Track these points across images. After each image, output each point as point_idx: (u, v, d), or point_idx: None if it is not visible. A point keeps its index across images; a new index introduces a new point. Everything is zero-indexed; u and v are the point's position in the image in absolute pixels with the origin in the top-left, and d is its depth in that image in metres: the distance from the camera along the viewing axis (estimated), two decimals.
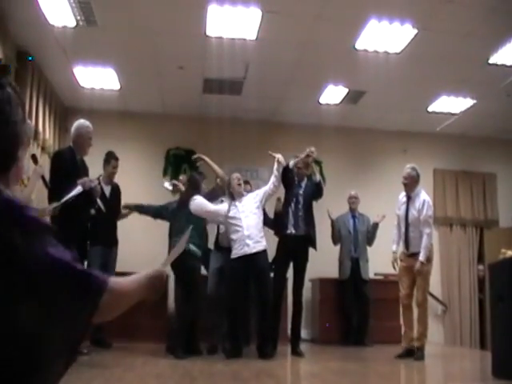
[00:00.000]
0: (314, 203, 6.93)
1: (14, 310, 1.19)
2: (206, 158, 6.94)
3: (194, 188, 6.55)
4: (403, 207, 6.78)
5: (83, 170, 5.83)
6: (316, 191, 6.81)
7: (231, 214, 6.36)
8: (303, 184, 6.86)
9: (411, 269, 6.60)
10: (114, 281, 1.44)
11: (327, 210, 7.86)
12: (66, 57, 7.63)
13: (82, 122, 5.98)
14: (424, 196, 6.78)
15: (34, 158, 5.38)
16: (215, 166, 6.93)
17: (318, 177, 6.80)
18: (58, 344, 1.28)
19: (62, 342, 1.30)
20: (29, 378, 1.22)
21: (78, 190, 5.29)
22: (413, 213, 6.66)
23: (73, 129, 5.96)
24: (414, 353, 6.42)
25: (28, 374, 1.22)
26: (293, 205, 6.70)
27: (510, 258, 4.94)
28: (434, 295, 9.69)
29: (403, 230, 6.75)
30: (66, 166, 5.49)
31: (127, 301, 1.54)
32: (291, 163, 6.60)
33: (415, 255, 6.57)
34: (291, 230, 6.65)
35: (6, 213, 1.23)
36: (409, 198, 6.76)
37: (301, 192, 6.78)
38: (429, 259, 6.61)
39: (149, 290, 1.65)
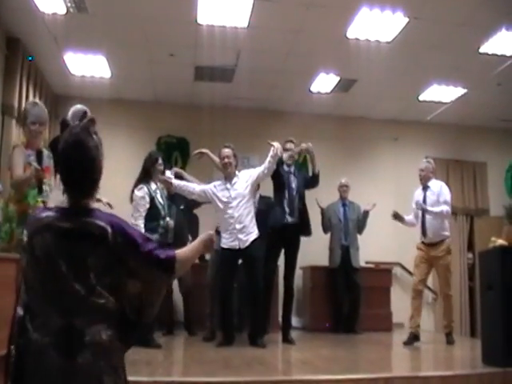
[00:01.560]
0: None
1: (125, 282, 2.11)
2: (207, 151, 6.78)
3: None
4: (421, 197, 6.85)
5: None
6: (313, 181, 6.81)
7: (223, 197, 6.16)
8: (294, 171, 6.84)
9: (429, 259, 6.70)
10: (178, 252, 2.21)
11: (316, 199, 7.86)
12: (56, 44, 7.58)
13: (77, 106, 5.89)
14: (441, 182, 6.94)
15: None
16: (216, 158, 6.78)
17: (317, 169, 6.79)
18: (151, 299, 2.19)
19: (153, 298, 2.20)
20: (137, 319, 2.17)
21: None
22: (431, 198, 6.75)
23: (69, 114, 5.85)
24: (418, 338, 6.60)
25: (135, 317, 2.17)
26: (287, 193, 6.66)
27: (499, 246, 4.96)
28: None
29: (421, 217, 6.80)
30: None
31: (190, 262, 2.35)
32: (285, 156, 6.56)
33: (434, 245, 6.65)
34: (287, 219, 6.62)
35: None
36: (425, 188, 6.86)
37: (293, 179, 6.76)
38: (449, 250, 6.73)
39: (203, 248, 2.35)
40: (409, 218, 7.03)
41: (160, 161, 6.18)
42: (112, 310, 2.07)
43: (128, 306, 2.14)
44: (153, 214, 5.92)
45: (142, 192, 5.98)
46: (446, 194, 6.75)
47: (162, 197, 6.11)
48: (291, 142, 6.83)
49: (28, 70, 7.77)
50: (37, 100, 4.90)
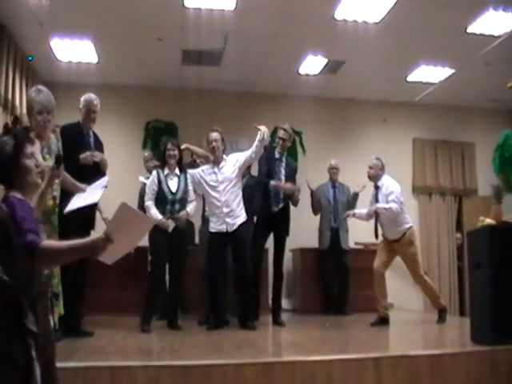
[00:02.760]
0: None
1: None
2: (190, 146, 6.79)
3: None
4: (373, 199, 6.84)
5: (96, 144, 5.67)
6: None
7: (210, 181, 6.19)
8: (284, 158, 6.85)
9: (392, 249, 6.74)
10: (47, 242, 2.33)
11: (306, 181, 7.87)
12: (42, 30, 7.54)
13: (88, 95, 5.84)
14: (390, 180, 6.80)
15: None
16: (197, 150, 6.80)
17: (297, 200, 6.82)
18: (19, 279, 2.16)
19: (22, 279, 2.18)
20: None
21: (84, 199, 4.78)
22: (382, 198, 6.69)
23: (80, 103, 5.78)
24: (387, 321, 6.60)
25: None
26: (276, 180, 6.68)
27: (487, 225, 4.98)
28: None
29: (375, 218, 6.80)
30: (71, 141, 5.26)
31: (63, 256, 2.43)
32: (272, 184, 6.60)
33: (395, 241, 6.68)
34: (274, 208, 6.64)
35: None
36: (377, 188, 6.81)
37: (283, 166, 6.77)
38: (411, 242, 6.72)
39: (84, 251, 2.37)
40: (360, 212, 7.07)
41: (169, 146, 6.20)
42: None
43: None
44: (160, 198, 6.08)
45: (151, 176, 6.24)
46: (394, 192, 6.63)
47: (177, 183, 6.15)
48: (284, 130, 6.80)
49: (14, 56, 7.72)
50: (40, 86, 4.66)
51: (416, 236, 6.97)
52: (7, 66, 7.43)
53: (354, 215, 7.13)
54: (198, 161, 7.08)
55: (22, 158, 2.50)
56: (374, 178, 6.83)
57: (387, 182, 6.76)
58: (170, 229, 5.97)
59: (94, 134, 5.77)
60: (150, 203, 6.08)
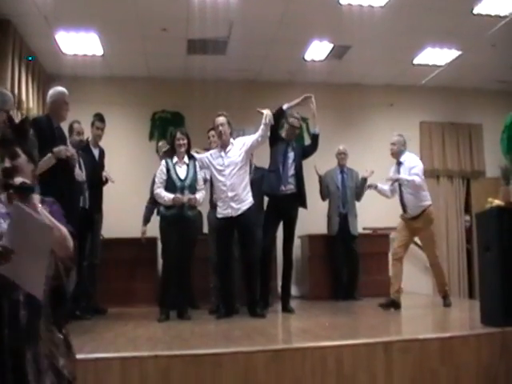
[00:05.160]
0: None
1: None
2: (199, 152, 6.81)
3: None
4: (395, 172, 6.89)
5: (61, 138, 5.71)
6: (311, 146, 6.91)
7: (217, 165, 6.25)
8: (292, 143, 6.87)
9: (411, 229, 6.77)
10: None
11: (314, 166, 7.87)
12: (47, 23, 7.54)
13: (56, 88, 5.90)
14: (412, 155, 6.96)
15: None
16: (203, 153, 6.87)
17: (317, 128, 6.89)
18: None
19: None
20: None
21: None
22: (405, 173, 6.75)
23: (48, 96, 5.87)
24: (398, 305, 6.62)
25: None
26: (283, 163, 6.69)
27: (496, 206, 4.97)
28: (422, 247, 9.81)
29: (399, 193, 6.84)
30: (43, 134, 5.32)
31: None
32: (285, 106, 6.54)
33: (415, 218, 6.70)
34: (282, 188, 6.66)
35: None
36: (399, 164, 6.87)
37: (290, 150, 6.78)
38: (431, 220, 6.76)
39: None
40: (383, 187, 7.11)
41: (179, 135, 6.29)
42: None
43: None
44: (169, 186, 6.16)
45: (161, 165, 6.30)
46: (417, 166, 6.75)
47: (186, 170, 6.24)
48: (297, 119, 6.90)
49: (20, 51, 7.73)
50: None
51: (434, 217, 6.98)
52: (13, 61, 7.45)
53: (376, 187, 7.15)
54: (209, 134, 7.24)
55: None
56: (397, 154, 6.89)
57: (410, 158, 6.87)
58: (185, 200, 6.06)
59: (60, 127, 5.83)
60: (159, 190, 6.17)
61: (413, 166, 6.74)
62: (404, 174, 6.74)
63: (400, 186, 6.78)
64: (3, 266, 2.22)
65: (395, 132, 7.05)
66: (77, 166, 5.90)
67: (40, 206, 2.45)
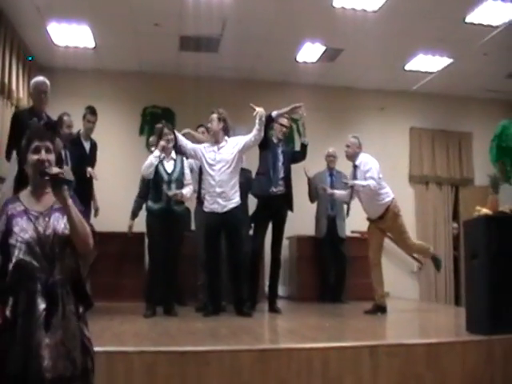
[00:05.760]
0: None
1: None
2: (191, 131, 6.85)
3: None
4: (352, 179, 6.80)
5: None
6: (300, 154, 6.85)
7: (208, 159, 6.26)
8: (281, 144, 6.86)
9: (380, 229, 6.74)
10: None
11: (304, 168, 7.86)
12: (39, 14, 7.48)
13: (34, 78, 5.89)
14: (367, 157, 6.75)
15: None
16: (198, 135, 6.94)
17: (306, 139, 6.85)
18: None
19: None
20: None
21: None
22: (361, 176, 6.65)
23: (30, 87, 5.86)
24: (384, 309, 6.60)
25: None
26: (273, 164, 6.68)
27: (484, 215, 4.99)
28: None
29: (358, 198, 6.81)
30: (21, 127, 5.26)
31: None
32: (274, 113, 6.51)
33: (380, 218, 6.65)
34: (273, 189, 6.64)
35: None
36: (355, 167, 6.78)
37: (280, 152, 6.77)
38: (396, 214, 6.66)
39: None
40: (340, 192, 7.11)
41: (166, 130, 6.30)
42: None
43: None
44: (156, 180, 6.21)
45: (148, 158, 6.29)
46: (372, 169, 6.57)
47: (173, 165, 6.30)
48: (287, 118, 6.87)
49: (11, 41, 7.68)
50: None
51: (399, 206, 6.80)
52: (4, 51, 7.39)
53: (333, 194, 7.19)
54: (198, 130, 7.28)
55: (28, 153, 2.65)
56: (352, 156, 6.79)
57: (365, 160, 6.71)
58: (171, 194, 6.09)
59: (47, 116, 5.82)
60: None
61: (367, 169, 6.58)
62: (360, 178, 6.63)
63: (356, 191, 6.71)
64: None
65: (350, 134, 6.97)
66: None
67: (70, 199, 2.57)
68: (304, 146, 6.86)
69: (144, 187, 6.77)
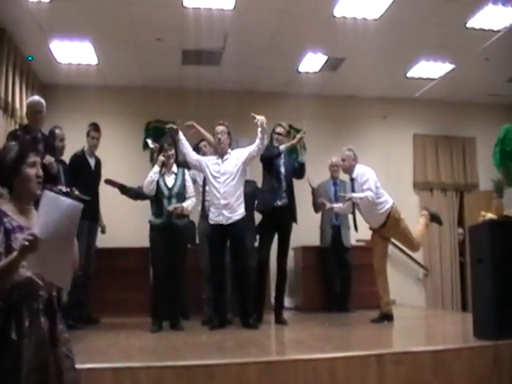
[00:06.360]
0: None
1: None
2: (196, 125, 6.80)
3: None
4: (350, 192, 6.76)
5: (45, 145, 5.71)
6: (298, 171, 6.80)
7: (213, 171, 6.26)
8: (284, 156, 6.86)
9: (384, 237, 6.73)
10: None
11: (307, 178, 7.85)
12: (42, 32, 7.54)
13: (30, 98, 5.93)
14: (364, 169, 6.72)
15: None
16: (206, 134, 6.82)
17: (304, 158, 6.88)
18: None
19: None
20: None
21: None
22: (359, 188, 6.62)
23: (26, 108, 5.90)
24: (391, 317, 6.58)
25: None
26: (275, 176, 6.67)
27: (489, 220, 4.98)
28: (415, 259, 9.81)
29: (358, 210, 6.78)
30: None
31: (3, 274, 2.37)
32: (282, 147, 6.57)
33: (383, 227, 6.64)
34: (277, 203, 6.62)
35: None
36: (352, 180, 6.76)
37: (282, 164, 6.76)
38: (398, 220, 6.62)
39: (19, 256, 2.31)
40: (339, 205, 7.08)
41: (166, 146, 6.33)
42: None
43: None
44: (157, 195, 6.18)
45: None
46: (368, 180, 6.53)
47: (174, 179, 6.27)
48: (280, 125, 6.86)
49: (14, 59, 7.73)
50: None
51: (399, 211, 6.75)
52: (7, 69, 7.44)
53: (332, 209, 7.17)
54: (200, 144, 7.27)
55: (23, 166, 2.61)
56: (348, 170, 6.79)
57: (361, 171, 6.68)
58: (171, 209, 6.08)
59: (42, 134, 5.83)
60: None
61: (364, 180, 6.55)
62: (358, 190, 6.60)
63: (354, 204, 6.70)
64: (32, 261, 2.37)
65: (344, 147, 6.95)
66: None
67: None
68: (302, 165, 6.82)
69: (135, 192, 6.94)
